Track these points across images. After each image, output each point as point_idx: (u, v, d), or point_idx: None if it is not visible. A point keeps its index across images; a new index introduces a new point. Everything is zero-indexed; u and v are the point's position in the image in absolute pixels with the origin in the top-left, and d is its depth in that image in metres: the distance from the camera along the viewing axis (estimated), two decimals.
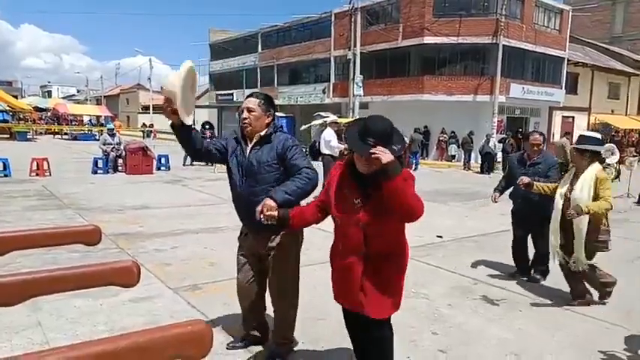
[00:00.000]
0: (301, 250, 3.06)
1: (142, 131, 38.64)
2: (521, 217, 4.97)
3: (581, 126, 28.38)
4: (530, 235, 4.98)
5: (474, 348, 3.39)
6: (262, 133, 2.87)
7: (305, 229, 2.93)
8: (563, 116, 27.29)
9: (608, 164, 15.11)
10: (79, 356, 0.95)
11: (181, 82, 2.51)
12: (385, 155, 2.07)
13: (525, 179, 4.30)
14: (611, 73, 29.62)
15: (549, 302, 4.36)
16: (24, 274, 1.38)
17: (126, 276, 1.52)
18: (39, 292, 1.39)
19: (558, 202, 4.13)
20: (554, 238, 4.19)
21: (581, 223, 3.93)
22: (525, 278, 4.95)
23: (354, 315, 2.51)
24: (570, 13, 26.36)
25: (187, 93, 2.61)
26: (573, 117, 27.88)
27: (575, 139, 4.69)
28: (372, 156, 2.09)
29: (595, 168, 4.03)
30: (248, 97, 2.94)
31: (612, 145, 14.52)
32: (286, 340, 3.07)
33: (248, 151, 2.88)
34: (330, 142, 9.96)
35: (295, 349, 3.16)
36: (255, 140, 2.88)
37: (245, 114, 2.86)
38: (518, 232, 5.03)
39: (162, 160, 15.19)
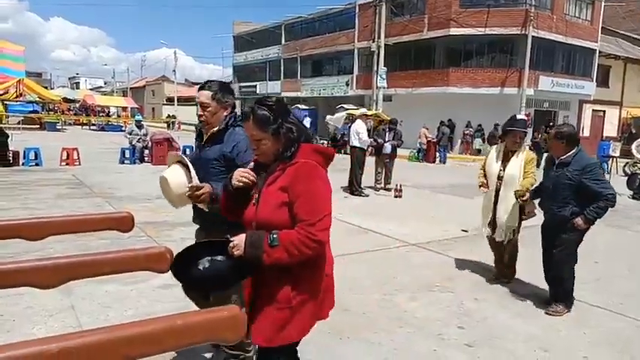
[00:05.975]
0: None
1: (166, 122, 39.30)
2: (546, 233, 4.20)
3: (612, 120, 27.57)
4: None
5: (501, 342, 3.35)
6: (215, 129, 2.57)
7: None
8: (593, 110, 26.54)
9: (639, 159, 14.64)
10: (117, 337, 0.97)
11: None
12: (237, 250, 1.81)
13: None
14: None
15: (578, 299, 4.26)
16: (63, 257, 1.42)
17: (159, 261, 1.56)
18: (78, 276, 1.44)
19: (493, 182, 4.47)
20: (485, 214, 4.62)
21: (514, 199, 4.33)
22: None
23: None
24: (602, 4, 25.50)
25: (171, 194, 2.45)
26: (604, 111, 27.10)
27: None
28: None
29: (526, 149, 4.55)
30: (200, 89, 2.59)
31: None
32: (235, 350, 2.68)
33: (201, 149, 2.67)
34: (360, 134, 9.87)
35: (322, 340, 3.05)
36: (208, 136, 2.63)
37: (200, 111, 2.57)
38: (545, 246, 4.23)
39: (187, 152, 15.38)
